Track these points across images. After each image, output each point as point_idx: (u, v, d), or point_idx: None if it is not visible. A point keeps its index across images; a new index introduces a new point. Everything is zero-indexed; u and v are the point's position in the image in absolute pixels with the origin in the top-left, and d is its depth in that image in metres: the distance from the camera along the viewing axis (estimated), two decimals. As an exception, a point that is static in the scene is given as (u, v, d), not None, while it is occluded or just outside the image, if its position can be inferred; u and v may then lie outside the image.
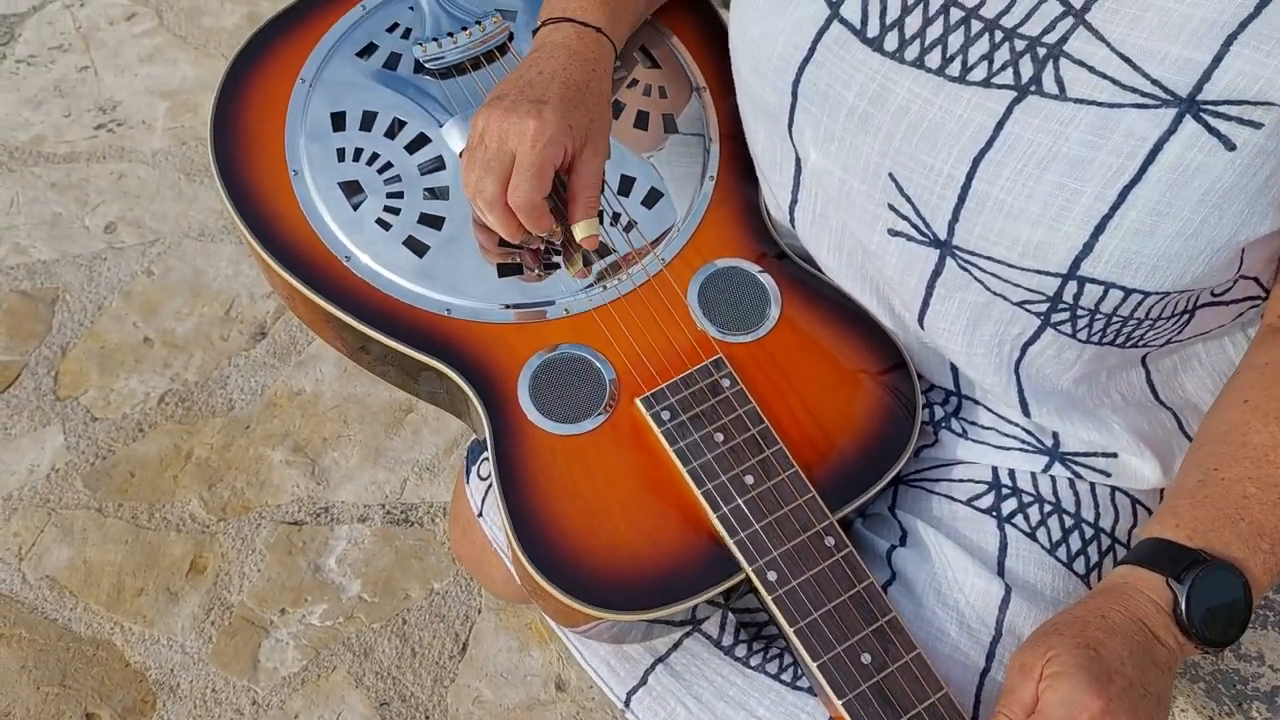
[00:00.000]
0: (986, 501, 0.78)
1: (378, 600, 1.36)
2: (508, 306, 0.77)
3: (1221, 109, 0.59)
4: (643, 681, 0.78)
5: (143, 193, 1.79)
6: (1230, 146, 0.60)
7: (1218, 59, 0.59)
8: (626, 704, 0.78)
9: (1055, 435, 0.78)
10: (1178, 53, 0.59)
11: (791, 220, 0.80)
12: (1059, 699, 0.59)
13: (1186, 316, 0.73)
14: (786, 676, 0.75)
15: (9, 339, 1.61)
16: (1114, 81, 0.61)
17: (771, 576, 0.70)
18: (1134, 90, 0.61)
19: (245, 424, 1.52)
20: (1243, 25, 0.58)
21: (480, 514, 0.86)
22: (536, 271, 0.79)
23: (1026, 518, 0.77)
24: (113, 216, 1.76)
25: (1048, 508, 0.77)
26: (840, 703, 0.67)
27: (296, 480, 1.46)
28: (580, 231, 0.75)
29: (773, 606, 0.69)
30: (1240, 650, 0.86)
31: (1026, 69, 0.64)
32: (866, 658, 0.68)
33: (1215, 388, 0.81)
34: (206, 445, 1.50)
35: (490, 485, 0.86)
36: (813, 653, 0.68)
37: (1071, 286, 0.66)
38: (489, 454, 0.73)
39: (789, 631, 0.69)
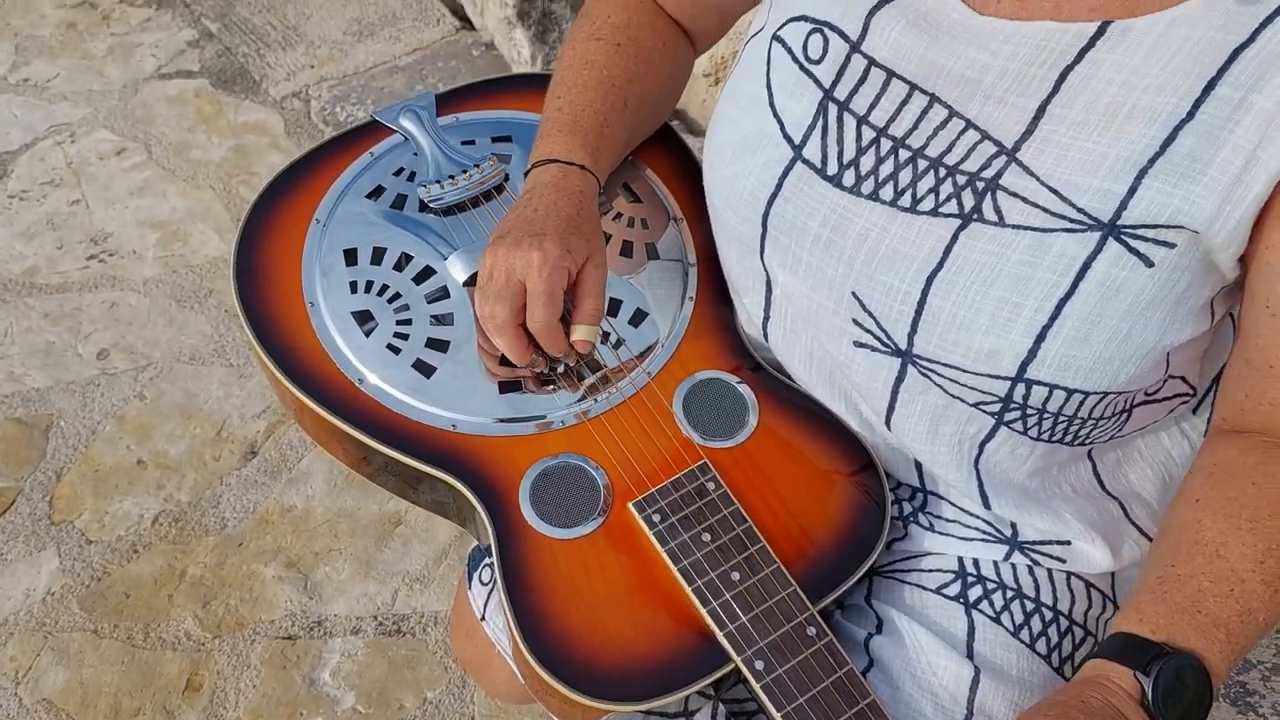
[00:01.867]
0: (954, 589, 0.84)
1: (372, 711, 1.38)
2: (508, 421, 0.84)
3: (1139, 232, 0.68)
4: (641, 769, 0.82)
5: (134, 320, 1.85)
6: (1149, 264, 0.69)
7: (1132, 190, 0.68)
8: (627, 790, 0.82)
9: (1014, 525, 0.85)
10: (1098, 185, 0.68)
11: (765, 336, 0.88)
12: None
13: (1125, 415, 0.81)
14: (775, 757, 0.80)
15: (4, 466, 1.65)
16: (1045, 210, 0.70)
17: (759, 665, 0.75)
18: (1063, 217, 0.70)
19: (238, 541, 1.56)
20: (1151, 161, 0.67)
21: (483, 618, 0.91)
22: (534, 389, 0.86)
23: (991, 603, 0.83)
24: (105, 344, 1.82)
25: (1010, 593, 0.84)
26: (828, 781, 0.72)
27: (289, 595, 1.50)
28: (576, 334, 0.82)
29: (761, 694, 0.75)
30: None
31: (969, 200, 0.72)
32: (850, 737, 0.74)
33: (1155, 477, 0.89)
34: (200, 564, 1.53)
35: (491, 590, 0.91)
36: (800, 735, 0.73)
37: (1020, 388, 0.74)
38: (493, 559, 0.79)
39: (777, 717, 0.74)
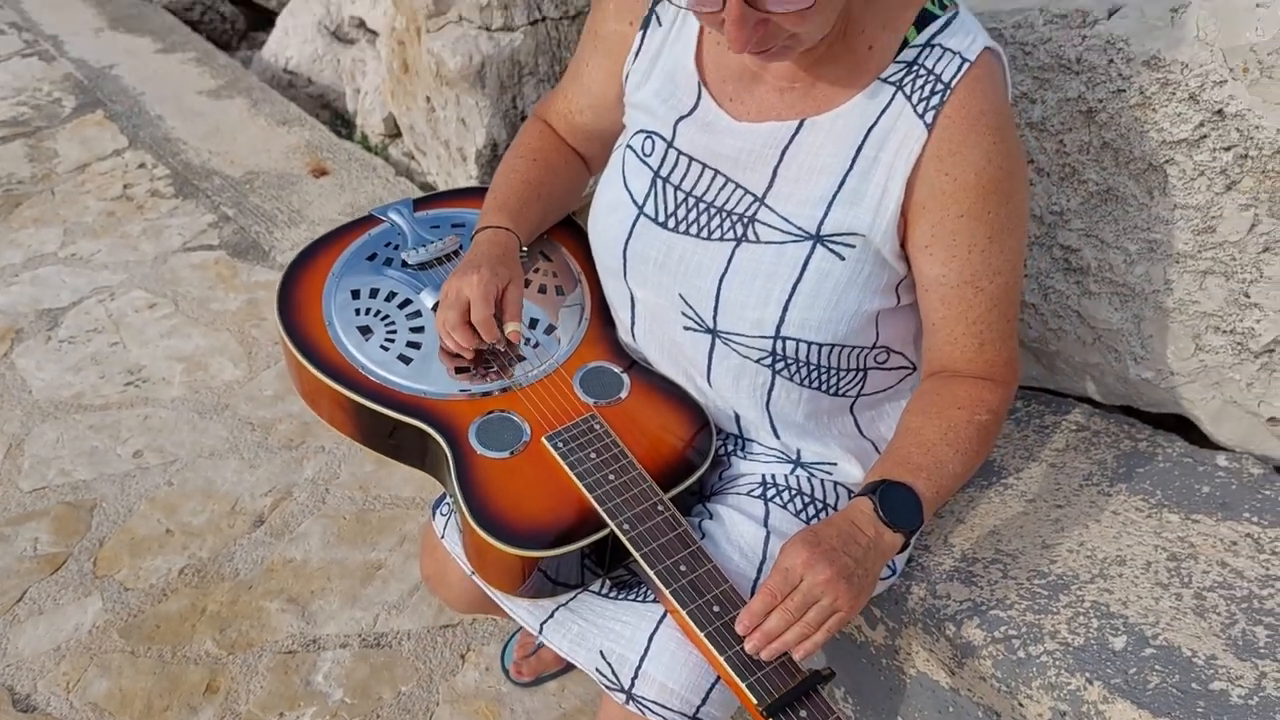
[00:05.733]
0: (758, 492, 1.26)
1: (356, 702, 1.73)
2: (461, 391, 1.27)
3: (833, 239, 1.15)
4: (550, 616, 1.21)
5: (164, 428, 2.27)
6: (841, 258, 1.15)
7: (825, 213, 1.15)
8: (540, 631, 1.21)
9: (798, 451, 1.28)
10: (807, 212, 1.16)
11: (634, 337, 1.33)
12: (786, 554, 1.06)
13: (861, 374, 1.26)
14: (639, 599, 1.19)
15: (56, 536, 2.03)
16: (781, 230, 1.17)
17: (626, 527, 1.16)
18: (789, 234, 1.16)
19: (249, 585, 1.93)
20: (834, 195, 1.14)
21: (443, 536, 1.31)
22: (476, 371, 1.29)
23: (781, 497, 1.25)
24: (140, 446, 2.23)
25: (793, 492, 1.26)
26: (669, 592, 1.11)
27: (291, 622, 1.86)
28: (507, 328, 1.27)
29: (628, 543, 1.15)
30: (936, 593, 1.32)
31: (739, 229, 1.19)
32: (684, 568, 1.13)
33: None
34: (218, 602, 1.90)
35: (449, 518, 1.32)
36: (651, 565, 1.13)
37: (780, 344, 1.18)
38: (450, 473, 1.20)
39: (638, 556, 1.14)
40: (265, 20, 4.15)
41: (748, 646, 1.06)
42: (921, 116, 1.10)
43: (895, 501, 1.11)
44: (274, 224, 2.87)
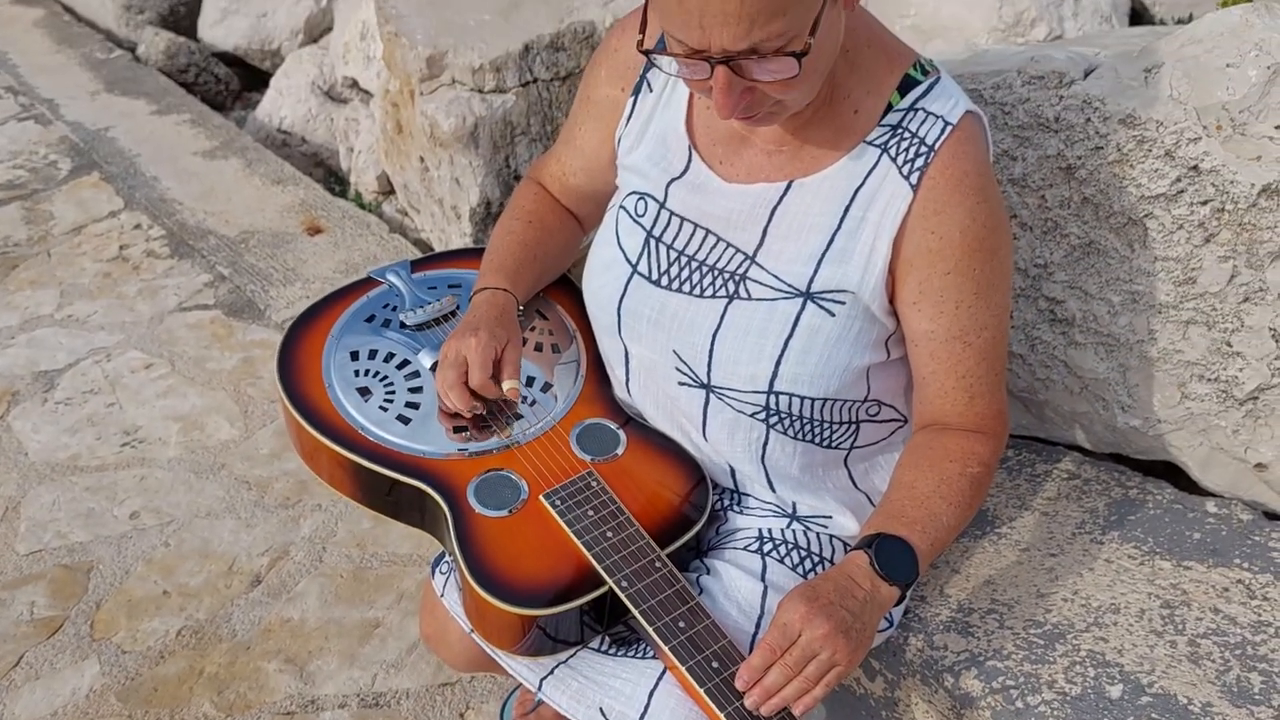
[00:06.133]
0: (754, 546, 1.27)
1: (356, 762, 1.72)
2: (459, 450, 1.29)
3: (823, 295, 1.18)
4: (550, 672, 1.22)
5: (160, 489, 2.27)
6: (831, 314, 1.18)
7: (815, 271, 1.17)
8: (540, 688, 1.21)
9: (793, 504, 1.29)
10: (798, 270, 1.18)
11: (629, 393, 1.35)
12: (784, 609, 1.07)
13: (854, 427, 1.28)
14: (638, 655, 1.20)
15: (52, 599, 2.02)
16: (772, 288, 1.20)
17: (624, 584, 1.17)
18: (780, 291, 1.19)
19: (246, 646, 1.92)
20: (823, 254, 1.17)
21: (442, 595, 1.32)
22: (475, 432, 1.31)
23: (778, 551, 1.26)
24: (137, 507, 2.23)
25: (790, 546, 1.27)
26: (668, 648, 1.12)
27: (289, 683, 1.85)
28: (505, 385, 1.29)
29: (626, 600, 1.16)
30: (934, 644, 1.33)
31: (731, 287, 1.22)
32: (682, 624, 1.15)
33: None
34: (216, 664, 1.89)
35: (449, 576, 1.33)
36: (650, 622, 1.14)
37: (773, 398, 1.20)
38: (450, 532, 1.21)
39: (636, 613, 1.15)
40: (259, 81, 4.20)
41: (748, 702, 1.07)
42: (906, 178, 1.13)
43: (891, 555, 1.12)
44: (269, 282, 2.89)
